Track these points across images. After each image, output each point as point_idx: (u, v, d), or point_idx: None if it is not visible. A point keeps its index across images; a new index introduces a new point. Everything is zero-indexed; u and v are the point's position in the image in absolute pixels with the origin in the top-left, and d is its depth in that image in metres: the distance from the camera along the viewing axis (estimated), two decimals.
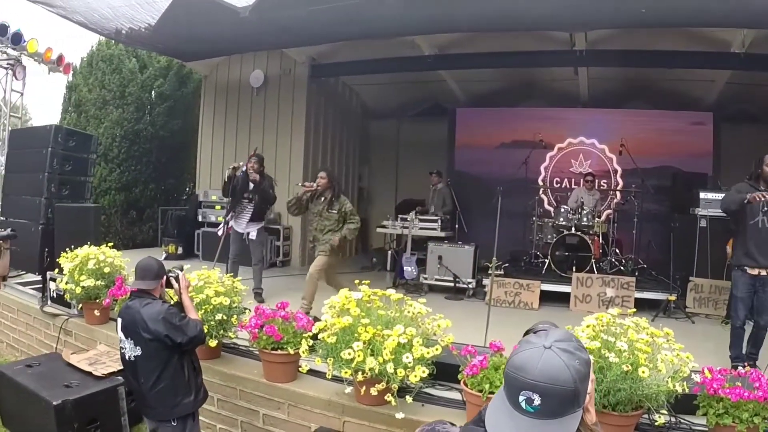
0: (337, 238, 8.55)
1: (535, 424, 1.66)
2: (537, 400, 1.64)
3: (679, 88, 13.69)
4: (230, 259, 9.48)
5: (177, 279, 4.95)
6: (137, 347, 4.46)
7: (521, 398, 1.66)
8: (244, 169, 9.34)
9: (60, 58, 13.07)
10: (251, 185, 9.38)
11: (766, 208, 6.31)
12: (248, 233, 9.45)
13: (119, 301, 6.90)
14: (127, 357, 4.56)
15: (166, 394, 4.49)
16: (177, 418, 4.56)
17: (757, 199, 6.15)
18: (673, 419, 4.60)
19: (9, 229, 6.15)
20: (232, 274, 7.62)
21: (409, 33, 10.65)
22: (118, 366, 6.31)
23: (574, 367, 1.68)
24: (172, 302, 5.00)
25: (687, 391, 4.29)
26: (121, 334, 4.59)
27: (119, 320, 4.63)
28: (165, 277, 4.86)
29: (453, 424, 2.09)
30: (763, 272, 6.30)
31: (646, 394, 4.17)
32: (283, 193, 12.81)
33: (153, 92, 16.32)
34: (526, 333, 1.93)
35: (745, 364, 6.11)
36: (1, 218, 9.84)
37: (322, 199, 8.71)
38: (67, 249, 7.70)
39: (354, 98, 16.55)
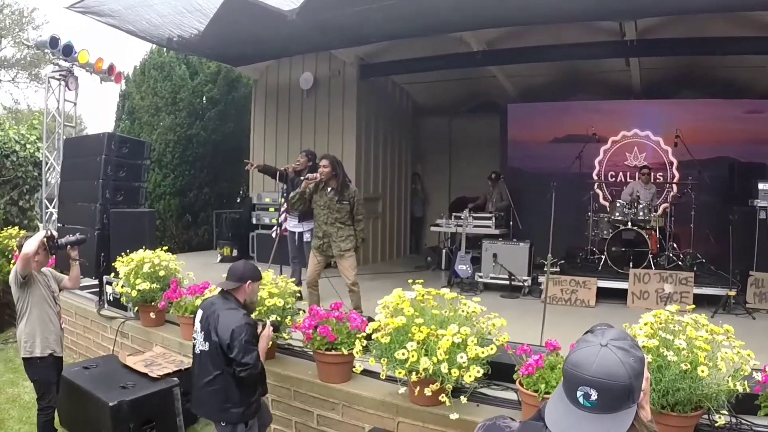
0: (360, 236, 8.18)
1: (592, 418, 1.75)
2: (594, 395, 1.74)
3: (733, 75, 13.36)
4: (291, 261, 9.51)
5: (265, 326, 5.07)
6: (206, 343, 4.63)
7: (579, 393, 1.76)
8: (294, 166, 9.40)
9: (111, 67, 13.24)
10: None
11: None
12: (302, 233, 9.45)
13: (174, 304, 6.99)
14: (196, 349, 4.76)
15: (217, 395, 4.59)
16: (228, 423, 4.62)
17: None
18: (733, 420, 4.44)
19: (78, 234, 6.19)
20: (294, 278, 7.53)
21: (457, 29, 10.57)
22: (174, 367, 6.41)
23: (629, 364, 1.77)
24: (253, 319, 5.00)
25: (748, 390, 4.16)
26: (197, 326, 4.79)
27: (199, 311, 4.86)
28: (249, 281, 4.90)
29: (513, 419, 2.14)
30: None
31: (705, 393, 4.05)
32: None
33: (204, 97, 16.49)
34: (585, 334, 1.94)
35: None
36: (59, 224, 9.99)
37: (329, 189, 8.09)
38: (123, 253, 7.82)
39: (404, 97, 16.49)
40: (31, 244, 5.45)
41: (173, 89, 15.92)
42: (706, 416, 4.33)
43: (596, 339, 1.83)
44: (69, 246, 6.02)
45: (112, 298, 8.31)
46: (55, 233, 5.91)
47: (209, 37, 9.92)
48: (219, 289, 5.02)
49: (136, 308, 7.70)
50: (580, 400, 1.75)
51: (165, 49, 15.41)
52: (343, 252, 7.97)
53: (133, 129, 16.06)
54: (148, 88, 16.13)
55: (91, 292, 9.10)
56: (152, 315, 7.50)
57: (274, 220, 11.42)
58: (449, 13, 8.73)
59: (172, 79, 16.01)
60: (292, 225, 9.54)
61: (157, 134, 15.76)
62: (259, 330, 4.94)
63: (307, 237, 9.41)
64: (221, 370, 4.56)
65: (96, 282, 8.88)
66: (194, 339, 4.81)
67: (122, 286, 7.47)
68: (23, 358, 5.80)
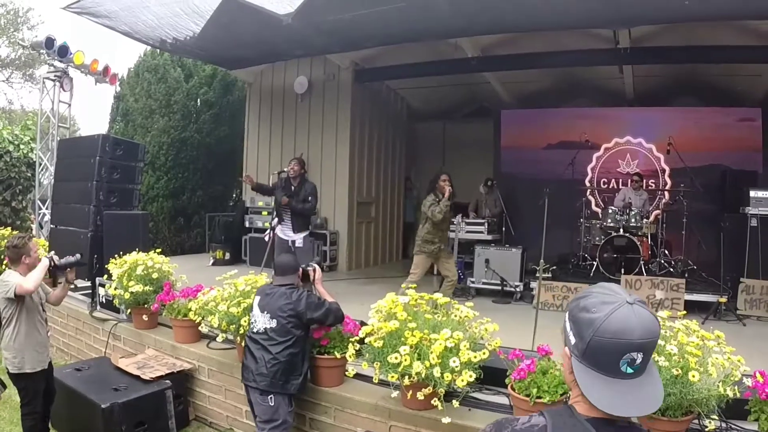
0: None
1: (638, 383, 1.67)
2: (639, 359, 1.65)
3: (726, 83, 13.43)
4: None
5: (314, 270, 5.77)
6: (273, 320, 5.18)
7: (623, 362, 1.64)
8: (286, 174, 9.43)
9: (106, 69, 13.24)
10: (292, 189, 9.40)
11: None
12: (293, 241, 9.46)
13: (167, 306, 7.00)
14: (256, 329, 5.28)
15: (282, 366, 5.10)
16: (276, 395, 5.05)
17: None
18: (723, 425, 4.48)
19: (77, 255, 6.17)
20: None
21: (453, 35, 10.59)
22: (166, 370, 6.42)
23: (654, 313, 1.71)
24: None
25: (738, 395, 4.20)
26: (256, 310, 5.35)
27: (257, 298, 5.46)
28: (301, 269, 5.70)
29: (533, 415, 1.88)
30: None
31: (696, 398, 4.08)
32: (330, 197, 12.88)
33: (198, 100, 16.49)
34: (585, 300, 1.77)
35: None
36: (52, 225, 9.98)
37: (449, 201, 9.07)
38: (116, 255, 7.79)
39: (399, 102, 16.54)
40: (35, 279, 5.46)
41: (167, 92, 15.92)
42: (696, 421, 4.35)
43: (618, 297, 1.69)
44: (68, 267, 6.01)
45: (104, 300, 8.29)
46: (55, 258, 5.90)
47: (205, 39, 9.94)
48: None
49: (129, 310, 7.67)
50: (624, 368, 1.64)
51: (159, 51, 15.41)
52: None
53: (127, 131, 16.04)
54: (142, 91, 16.12)
55: (83, 294, 9.09)
56: (145, 317, 7.48)
57: (266, 224, 11.42)
58: (445, 18, 8.76)
59: (166, 81, 16.00)
60: (285, 233, 9.53)
61: (151, 136, 15.75)
62: (310, 275, 5.78)
63: (299, 243, 9.43)
64: (292, 336, 5.15)
65: (89, 284, 8.86)
66: (254, 322, 5.33)
67: (115, 288, 7.45)
68: (11, 373, 5.66)
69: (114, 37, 10.45)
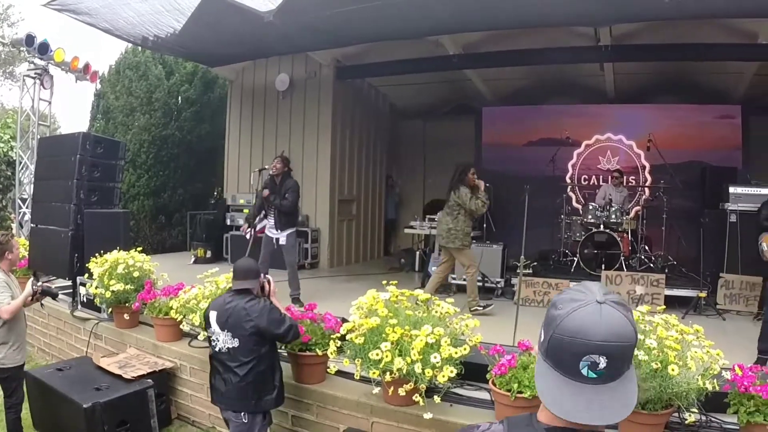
0: None
1: (600, 390, 1.52)
2: (602, 363, 1.49)
3: (707, 81, 13.55)
4: (260, 262, 9.51)
5: (269, 282, 5.33)
6: (235, 339, 4.79)
7: (582, 365, 1.50)
8: (271, 172, 9.40)
9: (87, 66, 13.15)
10: (275, 186, 9.39)
11: None
12: (277, 239, 9.44)
13: (148, 305, 6.97)
14: (218, 348, 4.88)
15: (251, 387, 4.82)
16: (249, 413, 4.83)
17: None
18: (703, 417, 4.53)
19: (55, 288, 6.27)
20: None
21: (434, 33, 10.62)
22: (148, 369, 6.40)
23: (631, 318, 1.54)
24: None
25: (717, 388, 4.24)
26: (215, 327, 4.90)
27: (213, 314, 4.96)
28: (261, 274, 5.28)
29: (491, 422, 1.77)
30: None
31: (675, 392, 4.12)
32: (311, 195, 12.87)
33: (179, 98, 16.43)
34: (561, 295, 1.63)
35: None
36: (33, 225, 9.91)
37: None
38: (97, 254, 7.75)
39: (380, 99, 16.53)
40: (13, 310, 5.57)
41: (148, 89, 15.86)
42: (676, 414, 4.41)
43: (587, 296, 1.54)
44: (43, 293, 6.07)
45: (85, 300, 8.26)
46: (38, 283, 5.96)
47: (186, 36, 9.92)
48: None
49: (110, 309, 7.62)
50: (585, 372, 1.50)
51: (140, 48, 15.35)
52: None
53: (108, 129, 15.96)
54: (123, 88, 16.05)
55: (64, 294, 9.02)
56: (126, 316, 7.46)
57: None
58: (427, 16, 8.79)
59: (147, 78, 15.95)
60: (270, 230, 9.52)
61: (132, 134, 15.68)
62: (266, 287, 5.30)
63: (283, 241, 9.42)
64: (258, 355, 4.82)
65: (70, 283, 8.82)
66: (214, 341, 4.93)
67: (96, 287, 7.41)
68: None
69: (100, 34, 10.38)
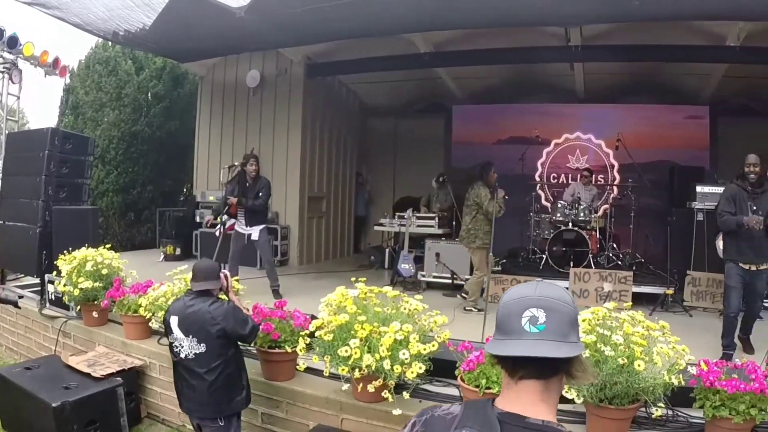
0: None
1: (542, 342, 1.61)
2: (542, 317, 1.62)
3: (676, 82, 13.72)
4: (230, 259, 9.50)
5: (226, 277, 5.19)
6: (201, 344, 4.65)
7: (524, 320, 1.63)
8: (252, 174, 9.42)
9: (56, 61, 13.01)
10: (247, 185, 9.39)
11: (755, 207, 6.65)
12: (249, 235, 9.45)
13: (117, 303, 6.94)
14: (183, 355, 4.71)
15: (221, 391, 4.71)
16: (225, 417, 4.75)
17: (752, 225, 6.45)
18: (670, 412, 4.64)
19: (17, 299, 6.25)
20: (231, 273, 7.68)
21: (406, 30, 10.64)
22: (117, 367, 6.37)
23: (569, 296, 1.71)
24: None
25: (683, 383, 4.34)
26: (178, 333, 4.73)
27: (174, 319, 4.77)
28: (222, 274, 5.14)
29: (452, 404, 1.87)
30: (754, 267, 6.64)
31: (642, 387, 4.21)
32: (281, 192, 12.84)
33: (149, 93, 16.32)
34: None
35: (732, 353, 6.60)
36: (0, 222, 9.82)
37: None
38: (65, 251, 7.71)
39: (351, 97, 16.51)
40: None
41: (118, 84, 15.72)
42: (643, 409, 4.49)
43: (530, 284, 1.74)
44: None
45: (54, 297, 8.18)
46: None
47: (157, 32, 9.86)
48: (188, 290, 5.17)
49: (79, 307, 7.60)
50: (527, 327, 1.62)
51: (110, 43, 15.19)
52: None
53: (77, 124, 15.77)
54: (93, 83, 15.88)
55: (32, 291, 8.97)
56: (95, 314, 7.42)
57: (219, 218, 11.37)
58: (399, 14, 8.81)
59: (117, 74, 15.80)
60: (241, 226, 9.51)
61: (101, 130, 15.53)
62: (224, 287, 5.16)
63: (254, 237, 9.43)
64: (226, 358, 4.73)
65: (38, 280, 8.75)
66: (177, 347, 4.75)
67: (64, 285, 7.37)
68: None
69: (70, 29, 10.30)
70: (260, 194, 9.36)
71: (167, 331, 4.87)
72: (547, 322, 1.62)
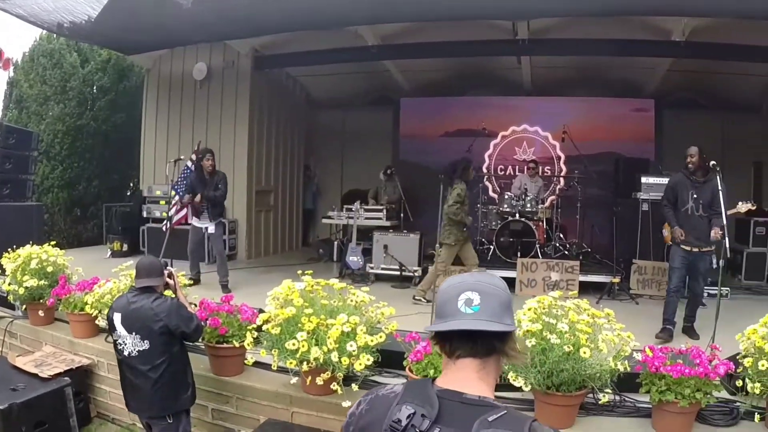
0: None
1: (477, 322, 1.71)
2: (477, 299, 1.73)
3: (622, 75, 13.90)
4: (189, 253, 9.47)
5: (171, 275, 5.16)
6: (145, 341, 4.59)
7: (460, 302, 1.74)
8: (191, 164, 9.36)
9: None
10: (206, 180, 9.37)
11: (695, 196, 7.03)
12: (206, 228, 9.43)
13: (63, 301, 6.85)
14: (127, 352, 4.64)
15: (167, 388, 4.66)
16: (173, 414, 4.71)
17: (676, 236, 7.09)
18: (617, 398, 4.76)
19: None
20: (193, 270, 7.72)
21: (353, 23, 10.62)
22: (65, 367, 6.29)
23: (503, 283, 1.84)
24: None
25: (629, 369, 4.46)
26: (121, 330, 4.65)
27: (117, 316, 4.69)
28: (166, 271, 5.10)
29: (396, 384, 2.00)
30: (695, 249, 7.02)
31: (588, 373, 4.29)
32: (228, 186, 12.77)
33: (95, 86, 16.07)
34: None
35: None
36: None
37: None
38: (9, 249, 7.58)
39: (299, 89, 16.43)
40: None
41: (63, 77, 15.44)
42: (591, 395, 4.58)
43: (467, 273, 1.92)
44: None
45: None
46: None
47: (102, 24, 9.73)
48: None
49: (24, 306, 7.47)
50: (462, 309, 1.72)
51: (55, 35, 14.96)
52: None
53: (21, 119, 15.50)
54: (37, 76, 15.58)
55: None
56: (41, 313, 7.31)
57: (164, 214, 11.27)
58: (346, 6, 8.81)
59: (62, 66, 15.52)
60: (201, 221, 9.49)
61: (46, 124, 15.25)
62: (169, 282, 5.15)
63: (211, 230, 9.44)
64: (171, 356, 4.68)
65: None
66: (120, 345, 4.66)
67: (9, 284, 7.27)
68: None
69: (13, 20, 10.13)
70: (219, 186, 9.37)
71: (111, 329, 4.79)
72: (481, 304, 1.72)
